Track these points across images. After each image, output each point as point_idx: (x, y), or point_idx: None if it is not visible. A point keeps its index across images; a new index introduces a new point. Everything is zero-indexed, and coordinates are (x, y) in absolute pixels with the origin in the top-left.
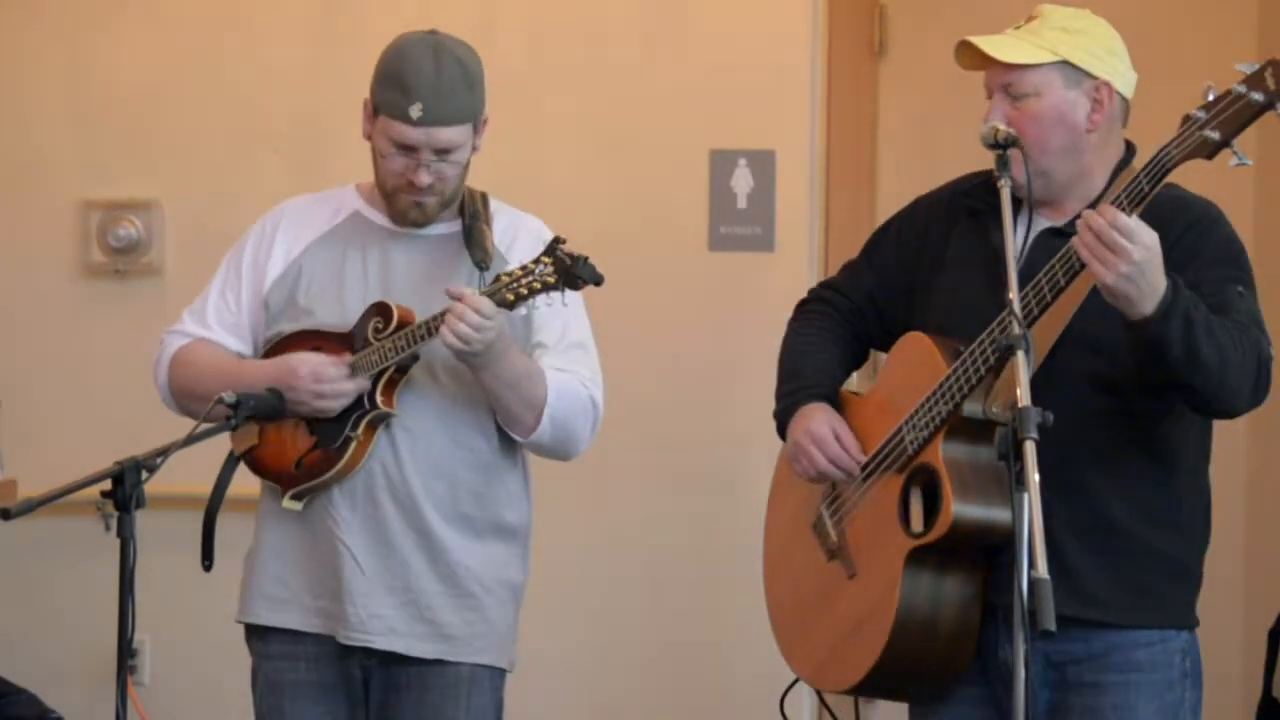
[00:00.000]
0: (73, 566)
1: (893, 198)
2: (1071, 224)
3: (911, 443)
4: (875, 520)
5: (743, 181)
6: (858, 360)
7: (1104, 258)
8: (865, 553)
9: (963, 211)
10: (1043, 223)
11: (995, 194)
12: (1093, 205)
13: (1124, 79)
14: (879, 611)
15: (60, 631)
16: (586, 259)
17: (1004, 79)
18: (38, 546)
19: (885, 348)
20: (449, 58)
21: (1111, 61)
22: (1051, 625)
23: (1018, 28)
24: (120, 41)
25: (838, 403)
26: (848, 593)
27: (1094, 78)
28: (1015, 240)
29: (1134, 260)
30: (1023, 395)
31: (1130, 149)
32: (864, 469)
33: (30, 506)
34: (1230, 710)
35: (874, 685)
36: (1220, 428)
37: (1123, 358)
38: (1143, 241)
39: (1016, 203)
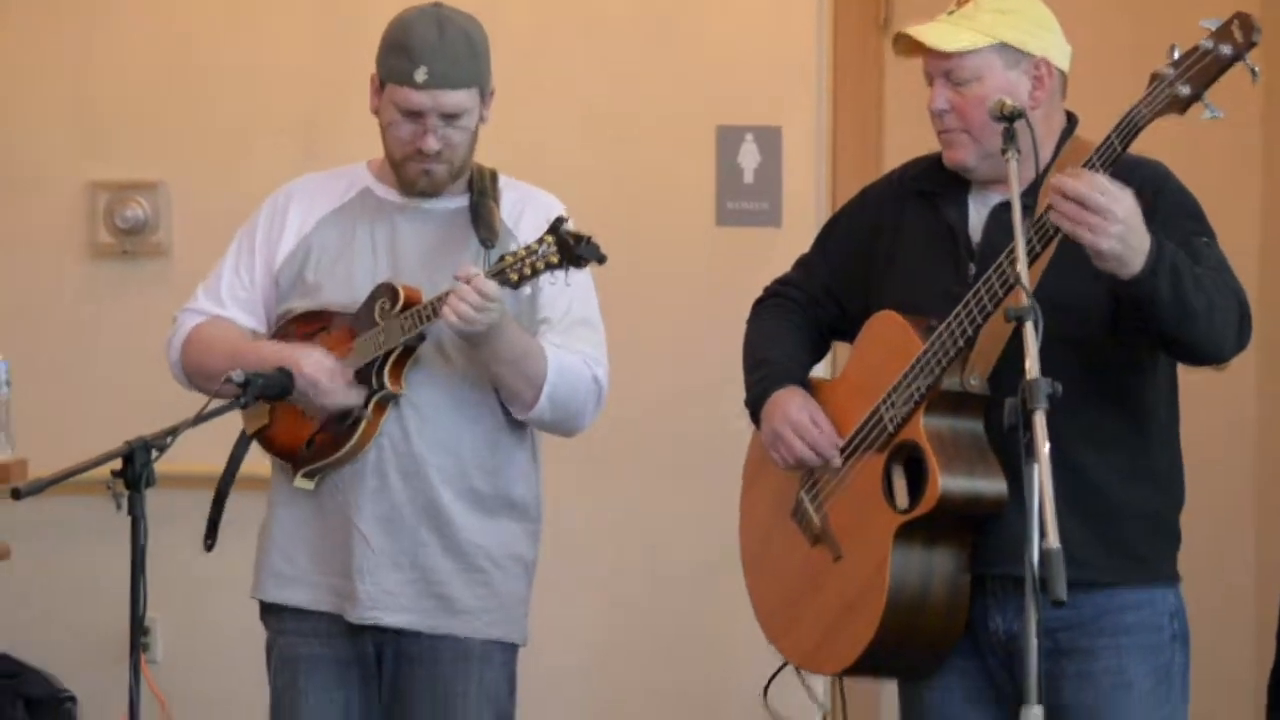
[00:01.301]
0: (84, 546)
1: None
2: (1025, 196)
3: (891, 420)
4: (858, 501)
5: (749, 157)
6: (820, 351)
7: (1092, 223)
8: (850, 534)
9: (912, 195)
10: (995, 197)
11: (945, 175)
12: (1042, 177)
13: (1060, 52)
14: (870, 591)
15: (72, 610)
16: (590, 238)
17: (944, 66)
18: (49, 526)
19: (845, 338)
20: (452, 26)
21: (1047, 37)
22: (1063, 595)
23: (951, 13)
24: (126, 22)
25: (809, 386)
26: (835, 576)
27: (1032, 56)
28: (970, 217)
29: (1121, 219)
30: (1031, 366)
31: (1072, 119)
32: (843, 451)
33: (41, 486)
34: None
35: (868, 665)
36: (1230, 423)
37: (1092, 319)
38: (1124, 200)
39: (964, 182)
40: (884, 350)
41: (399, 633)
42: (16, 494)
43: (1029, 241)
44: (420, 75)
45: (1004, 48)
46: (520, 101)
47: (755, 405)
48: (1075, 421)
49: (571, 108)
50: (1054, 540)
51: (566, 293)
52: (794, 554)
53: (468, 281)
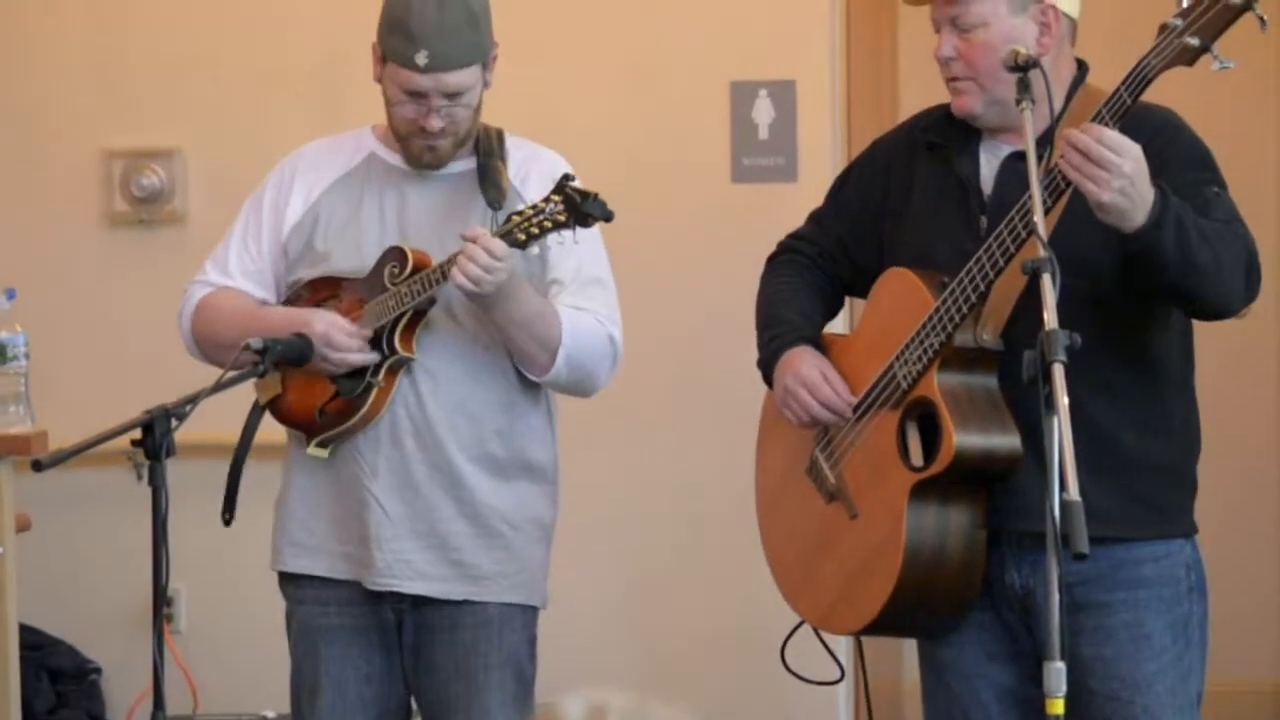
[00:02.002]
0: (106, 516)
1: None
2: (1037, 145)
3: (904, 378)
4: (873, 459)
5: (764, 112)
6: (833, 307)
7: (1095, 175)
8: (866, 492)
9: (923, 147)
10: (1005, 148)
11: (956, 126)
12: (1053, 127)
13: None
14: (886, 549)
15: (95, 582)
16: (596, 195)
17: (950, 12)
18: (70, 497)
19: (859, 293)
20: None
21: None
22: (1085, 548)
23: None
24: None
25: (821, 345)
26: (851, 534)
27: (1038, 1)
28: (981, 169)
29: (1125, 174)
30: (1049, 318)
31: (1083, 66)
32: (856, 409)
33: (62, 457)
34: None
35: (886, 623)
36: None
37: (1101, 273)
38: (1131, 154)
39: (975, 132)
40: (896, 307)
41: (418, 599)
42: (38, 465)
43: (1041, 196)
44: (421, 58)
45: None
46: (534, 62)
47: (767, 365)
48: (1088, 376)
49: (585, 66)
50: (1074, 493)
51: (576, 252)
52: (809, 511)
53: (474, 241)
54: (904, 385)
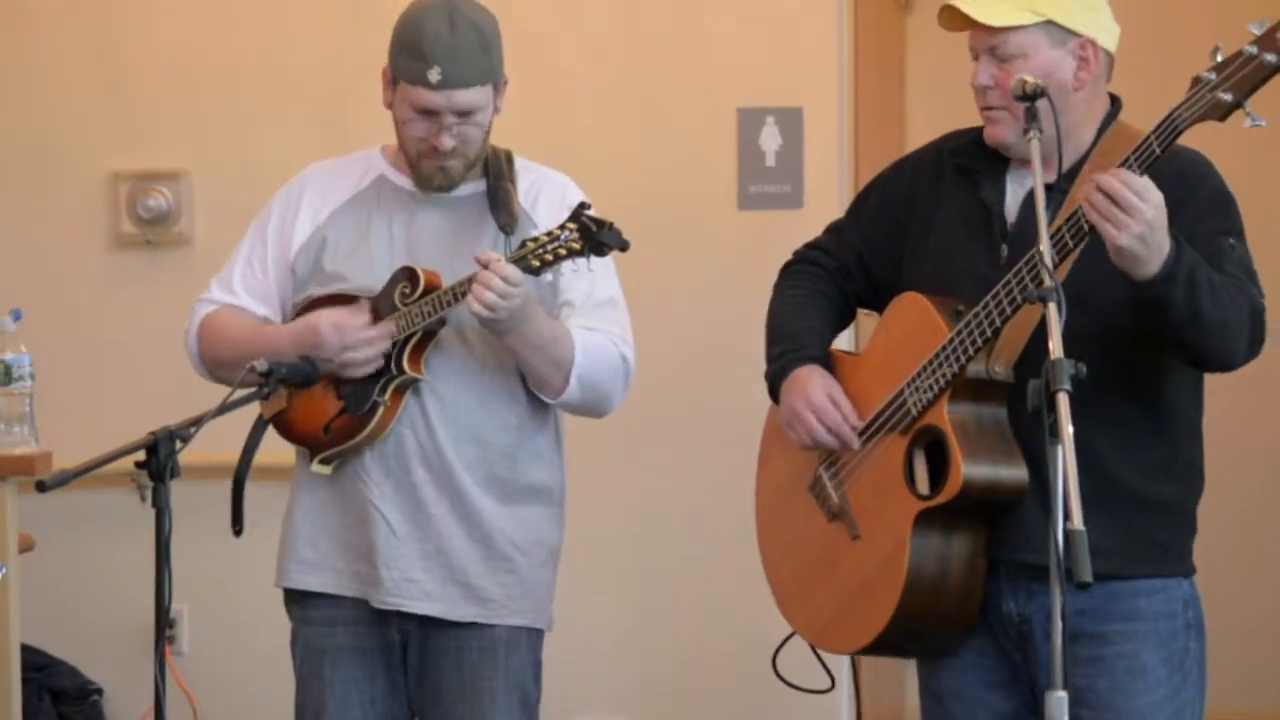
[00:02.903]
0: (109, 537)
1: None
2: (1062, 180)
3: (915, 405)
4: (879, 482)
5: (771, 139)
6: (845, 320)
7: (1116, 219)
8: (869, 515)
9: (951, 170)
10: (1032, 179)
11: (985, 151)
12: (1082, 161)
13: (1108, 34)
14: (888, 573)
15: (98, 603)
16: (612, 225)
17: (989, 41)
18: (74, 518)
19: (874, 307)
20: (463, 21)
21: (1094, 17)
22: (1088, 577)
23: None
24: (147, 11)
25: (830, 364)
26: (852, 555)
27: (1079, 35)
28: (1006, 197)
29: (1146, 220)
30: (1054, 348)
31: (1116, 103)
32: (863, 432)
33: (66, 478)
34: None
35: (883, 646)
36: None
37: (1115, 313)
38: (1153, 201)
39: (1004, 160)
40: (909, 332)
41: (424, 620)
42: (41, 486)
43: (1061, 234)
44: (434, 75)
45: (1051, 25)
46: (541, 86)
47: (775, 380)
48: (1095, 412)
49: (592, 92)
50: (1078, 522)
51: (588, 275)
52: (810, 528)
53: (487, 265)
54: (914, 412)
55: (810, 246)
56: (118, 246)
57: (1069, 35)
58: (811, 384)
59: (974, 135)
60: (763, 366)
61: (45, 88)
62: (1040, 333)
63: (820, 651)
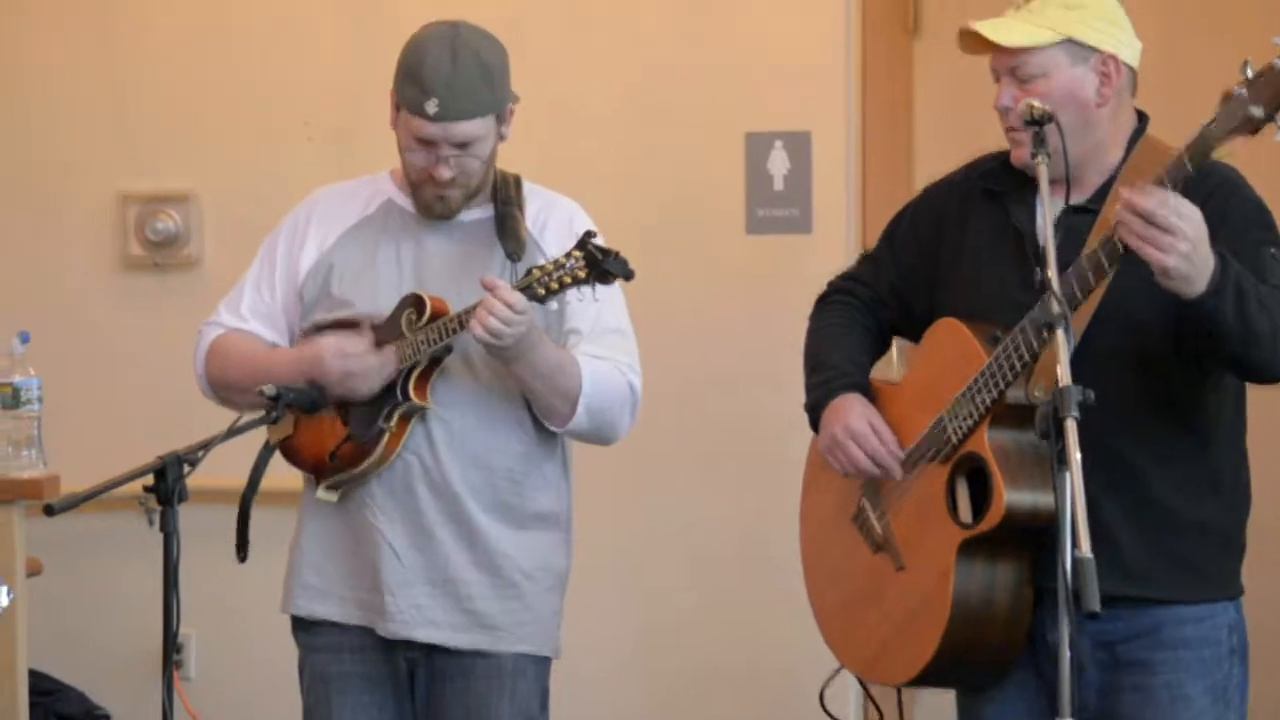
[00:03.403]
0: (116, 562)
1: (930, 176)
2: (1094, 199)
3: (955, 432)
4: (921, 512)
5: (779, 163)
6: (881, 349)
7: (1159, 241)
8: (913, 545)
9: (979, 194)
10: (1061, 201)
11: (1013, 174)
12: (1112, 179)
13: (1129, 49)
14: (932, 604)
15: (105, 627)
16: (617, 254)
17: (1010, 62)
18: (81, 542)
19: (909, 336)
20: (466, 52)
21: (1115, 33)
22: (1096, 606)
23: (1018, 8)
24: (156, 34)
25: (870, 392)
26: (897, 586)
27: (1099, 51)
28: (1037, 220)
29: (1189, 238)
30: (1063, 374)
31: (1143, 118)
32: (905, 460)
33: (73, 502)
34: None
35: (929, 677)
36: None
37: (1152, 330)
38: (1193, 219)
39: (1033, 182)
40: (947, 359)
41: (431, 648)
42: (49, 510)
43: (1097, 256)
44: (431, 107)
45: (1070, 44)
46: (549, 110)
47: (815, 409)
48: (1137, 434)
49: (600, 117)
50: (1086, 550)
51: (595, 303)
52: (854, 560)
53: (493, 291)
54: (954, 440)
55: (844, 277)
56: (126, 269)
57: (1089, 52)
58: (851, 412)
59: (1002, 159)
60: (772, 387)
61: (54, 110)
62: (1081, 357)
63: (868, 685)
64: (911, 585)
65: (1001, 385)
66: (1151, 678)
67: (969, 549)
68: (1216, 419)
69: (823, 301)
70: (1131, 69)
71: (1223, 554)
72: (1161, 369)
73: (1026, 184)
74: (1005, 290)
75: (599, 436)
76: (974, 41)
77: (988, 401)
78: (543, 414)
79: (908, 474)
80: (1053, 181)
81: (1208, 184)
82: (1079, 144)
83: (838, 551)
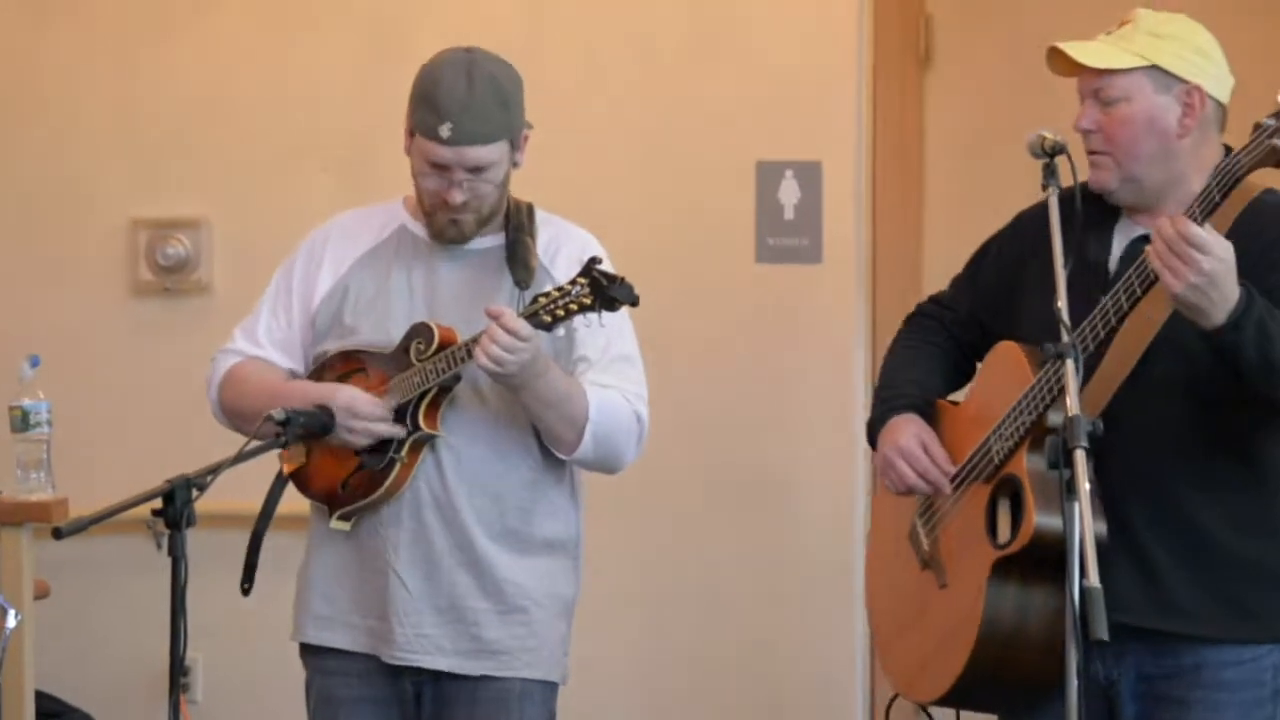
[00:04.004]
0: (124, 585)
1: (940, 207)
2: None
3: (998, 453)
4: (964, 530)
5: (790, 193)
6: (962, 370)
7: (1174, 268)
8: (955, 563)
9: (1062, 221)
10: (1136, 229)
11: (1093, 202)
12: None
13: (1217, 82)
14: (965, 623)
15: (113, 650)
16: (623, 280)
17: (1094, 84)
18: (89, 565)
19: None
20: (481, 76)
21: (1203, 65)
22: (1104, 634)
23: (1109, 33)
24: (168, 60)
25: (933, 413)
26: (939, 603)
27: (1184, 82)
28: (1112, 247)
29: (1204, 271)
30: (1072, 404)
31: (1229, 153)
32: (954, 479)
33: (82, 525)
34: None
35: (961, 697)
36: None
37: (1210, 363)
38: (1214, 253)
39: (1113, 210)
40: (1001, 380)
41: (438, 674)
42: (58, 533)
43: (1130, 280)
44: (445, 131)
45: (1156, 71)
46: (560, 139)
47: (873, 428)
48: (1188, 465)
49: (611, 144)
50: (1094, 579)
51: (603, 331)
52: (906, 576)
53: (498, 318)
54: (997, 460)
55: (932, 299)
56: (136, 294)
57: (1174, 81)
58: (904, 431)
59: (1083, 186)
60: (782, 415)
61: (66, 135)
62: (1134, 385)
63: (912, 701)
64: (951, 603)
65: (1040, 408)
66: (1187, 714)
67: (1002, 570)
68: (1269, 453)
69: (907, 321)
70: (1219, 103)
71: (1272, 594)
72: (1215, 400)
73: (1107, 210)
74: (1073, 317)
75: (604, 465)
76: (1061, 62)
77: (1028, 423)
78: (549, 441)
79: (957, 493)
80: (1131, 209)
81: (1264, 220)
82: (1157, 172)
83: (894, 567)
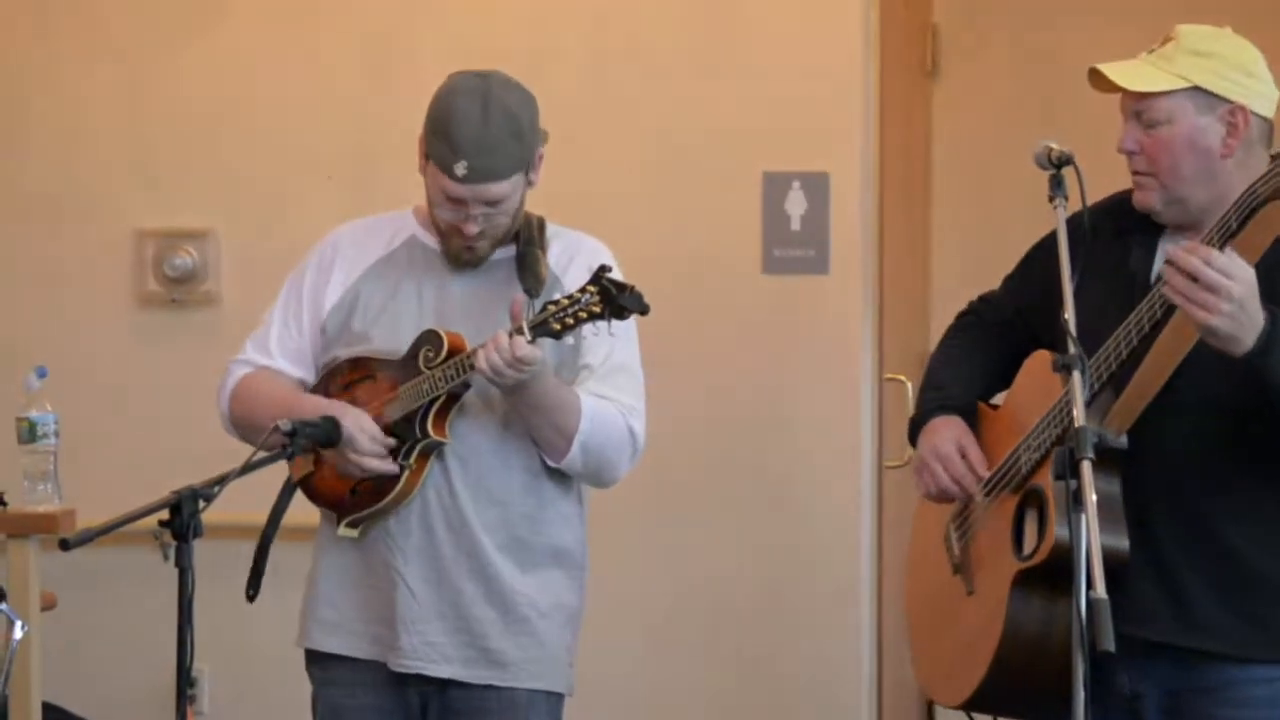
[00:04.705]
0: (131, 596)
1: (947, 217)
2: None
3: (1026, 464)
4: (992, 539)
5: (796, 203)
6: (1009, 373)
7: (1203, 300)
8: (982, 571)
9: (1109, 231)
10: (1182, 243)
11: (1140, 214)
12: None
13: (1262, 100)
14: (987, 632)
15: (119, 661)
16: (633, 288)
17: (1135, 105)
18: (96, 576)
19: None
20: (497, 108)
21: (1247, 83)
22: (1110, 646)
23: (1151, 51)
24: (175, 71)
25: (974, 415)
26: (966, 610)
27: (1228, 102)
28: (1156, 262)
29: (1235, 297)
30: (1078, 415)
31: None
32: (985, 486)
33: (88, 536)
34: None
35: (984, 704)
36: None
37: (1240, 382)
38: (1241, 277)
39: (1157, 225)
40: (1034, 388)
41: (444, 683)
42: (64, 544)
43: (1152, 304)
44: (460, 169)
45: (1198, 92)
46: (568, 150)
47: (914, 428)
48: (1217, 483)
49: (618, 156)
50: (1101, 591)
51: (608, 339)
52: (938, 581)
53: (514, 333)
54: (1024, 470)
55: (981, 298)
56: (143, 305)
57: (1218, 102)
58: (942, 434)
59: (1127, 195)
60: (788, 426)
61: (72, 146)
62: (1163, 404)
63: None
64: (976, 611)
65: (1064, 421)
66: None
67: (1026, 581)
68: None
69: (958, 318)
70: (1265, 120)
71: None
72: (1246, 420)
73: (1153, 225)
74: (1108, 328)
75: (594, 476)
76: (1103, 82)
77: (1054, 436)
78: (540, 446)
79: (988, 500)
80: (1180, 227)
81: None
82: (1201, 192)
83: (929, 572)
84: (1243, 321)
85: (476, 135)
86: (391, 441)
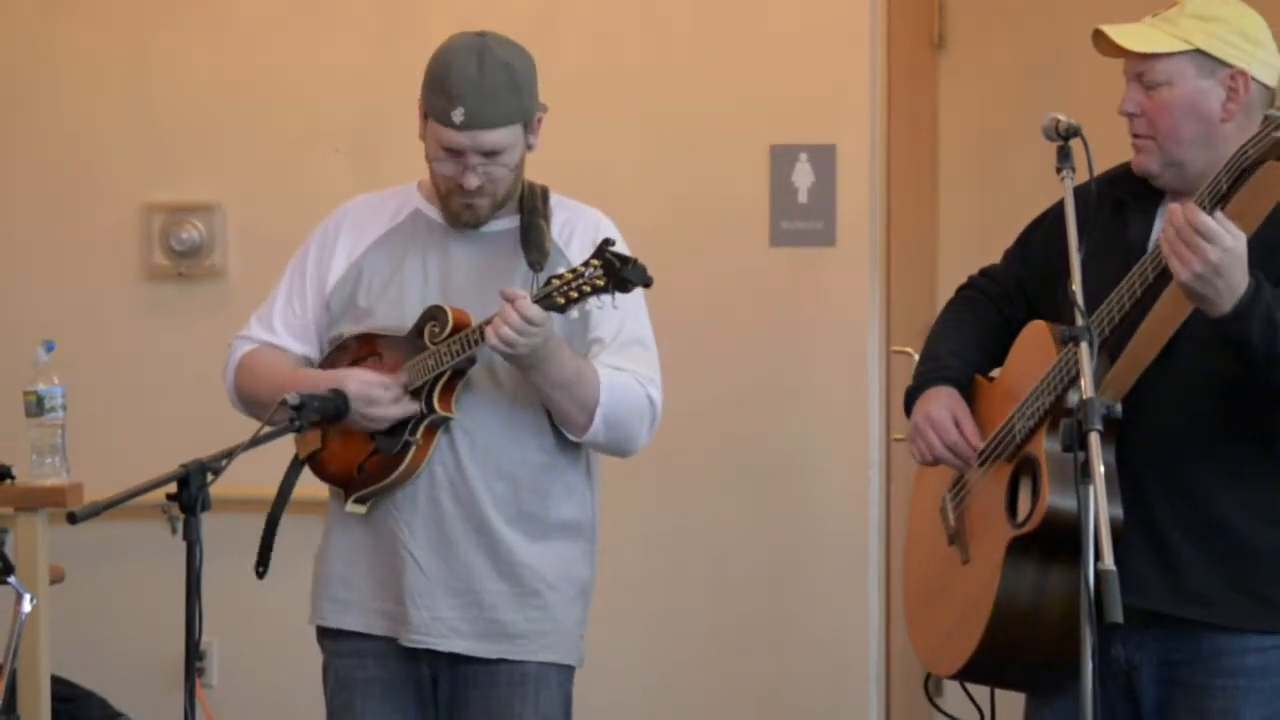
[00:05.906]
0: (139, 570)
1: (955, 190)
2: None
3: (1020, 431)
4: (986, 508)
5: (804, 176)
6: (1007, 346)
7: (1182, 255)
8: (976, 539)
9: (1109, 202)
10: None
11: (1138, 183)
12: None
13: (1264, 66)
14: (982, 600)
15: (128, 635)
16: (635, 261)
17: (1138, 68)
18: (104, 550)
19: None
20: (493, 60)
21: (1249, 49)
22: (1118, 617)
23: (1156, 14)
24: (181, 44)
25: (970, 387)
26: (960, 579)
27: (1229, 66)
28: (1154, 230)
29: (1210, 260)
30: (1086, 387)
31: None
32: (980, 455)
33: (96, 510)
34: None
35: (979, 673)
36: None
37: (1227, 351)
38: (1222, 243)
39: (1157, 192)
40: (1029, 358)
41: (454, 657)
42: (72, 518)
43: (1144, 266)
44: (458, 115)
45: (1199, 55)
46: (574, 123)
47: (910, 398)
48: (1212, 453)
49: (625, 129)
50: (1109, 562)
51: (618, 313)
52: (935, 551)
53: (512, 300)
54: (1018, 439)
55: (982, 271)
56: (150, 279)
57: (1219, 66)
58: (937, 402)
59: (1128, 167)
60: (796, 399)
61: (79, 120)
62: (1160, 373)
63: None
64: (971, 579)
65: (1059, 389)
66: (1206, 701)
67: (1019, 549)
68: None
69: (958, 292)
70: (1266, 87)
71: None
72: (1239, 389)
73: (1151, 193)
74: (1105, 297)
75: (616, 448)
76: (1106, 44)
77: (1047, 404)
78: (560, 423)
79: (983, 469)
80: (1179, 193)
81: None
82: (1200, 156)
83: (926, 542)
84: (1216, 285)
85: (473, 84)
86: (403, 378)
